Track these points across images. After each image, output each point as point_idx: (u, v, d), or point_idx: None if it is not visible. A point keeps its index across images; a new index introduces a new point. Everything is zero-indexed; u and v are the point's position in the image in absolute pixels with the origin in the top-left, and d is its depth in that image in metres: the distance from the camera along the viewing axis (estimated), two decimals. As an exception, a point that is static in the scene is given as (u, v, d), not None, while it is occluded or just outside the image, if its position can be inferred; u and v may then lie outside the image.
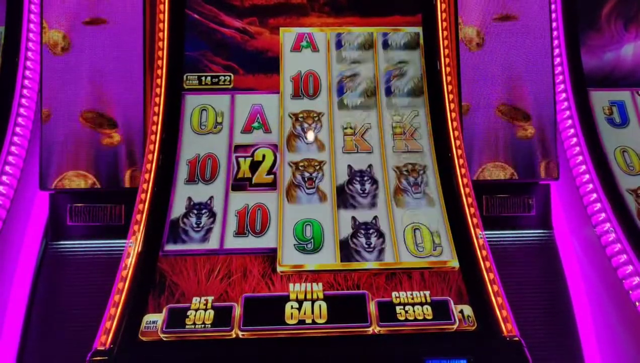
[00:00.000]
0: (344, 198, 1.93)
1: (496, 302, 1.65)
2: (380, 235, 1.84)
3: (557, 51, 2.31)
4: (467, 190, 1.90)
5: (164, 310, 1.63)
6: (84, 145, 2.07)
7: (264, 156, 2.01)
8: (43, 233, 2.10)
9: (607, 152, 2.18)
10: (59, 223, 2.05)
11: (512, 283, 1.77)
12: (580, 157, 2.16)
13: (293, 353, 1.57)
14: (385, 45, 2.21)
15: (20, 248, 2.09)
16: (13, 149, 2.04)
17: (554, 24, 2.32)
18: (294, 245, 1.83)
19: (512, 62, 2.20)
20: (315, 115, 2.09)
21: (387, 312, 1.63)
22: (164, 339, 1.57)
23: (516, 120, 2.15)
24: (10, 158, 2.03)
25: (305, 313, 1.63)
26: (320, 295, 1.68)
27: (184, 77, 2.13)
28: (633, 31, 2.44)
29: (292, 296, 1.67)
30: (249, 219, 1.88)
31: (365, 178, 1.97)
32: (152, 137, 1.97)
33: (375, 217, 1.88)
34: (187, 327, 1.59)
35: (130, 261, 1.71)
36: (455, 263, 1.77)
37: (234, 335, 1.58)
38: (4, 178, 2.00)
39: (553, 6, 2.32)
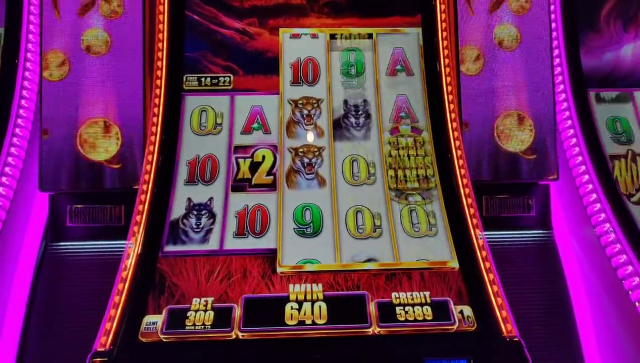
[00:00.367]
0: None
1: (496, 303, 1.65)
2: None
3: (556, 52, 2.31)
4: (467, 190, 1.90)
5: (164, 311, 1.63)
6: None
7: (263, 157, 2.01)
8: (43, 234, 2.10)
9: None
10: (59, 224, 2.05)
11: (512, 284, 1.77)
12: (580, 158, 2.16)
13: (293, 354, 1.57)
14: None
15: (20, 249, 2.09)
16: (12, 150, 2.04)
17: (554, 25, 2.32)
18: (294, 229, 1.84)
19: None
20: (314, 101, 2.10)
21: (387, 312, 1.63)
22: (164, 340, 1.57)
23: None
24: (10, 159, 2.03)
25: (305, 314, 1.63)
26: (320, 296, 1.68)
27: (184, 78, 2.13)
28: (632, 32, 2.44)
29: (292, 297, 1.67)
30: (248, 220, 1.88)
31: None
32: (152, 138, 1.97)
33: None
34: (187, 327, 1.59)
35: (130, 262, 1.71)
36: (455, 264, 1.77)
37: (233, 336, 1.58)
38: (4, 179, 2.00)
39: (552, 7, 2.32)
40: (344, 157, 2.02)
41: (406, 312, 1.63)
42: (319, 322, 1.61)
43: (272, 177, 1.98)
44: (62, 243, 2.03)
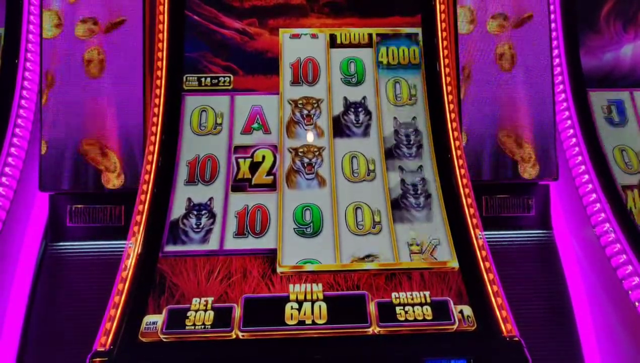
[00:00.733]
0: None
1: (496, 302, 1.65)
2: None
3: (556, 52, 2.31)
4: (467, 190, 1.90)
5: (164, 311, 1.63)
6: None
7: (263, 157, 2.01)
8: (43, 234, 2.10)
9: (606, 151, 2.18)
10: (59, 225, 2.05)
11: (512, 284, 1.77)
12: (580, 158, 2.16)
13: (293, 354, 1.57)
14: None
15: (20, 249, 2.09)
16: (12, 150, 2.04)
17: (553, 25, 2.33)
18: (294, 229, 1.85)
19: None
20: (314, 101, 2.10)
21: (387, 312, 1.63)
22: (164, 340, 1.57)
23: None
24: (10, 159, 2.03)
25: (305, 314, 1.63)
26: (320, 296, 1.68)
27: (184, 78, 2.13)
28: (632, 32, 2.45)
29: (292, 297, 1.67)
30: (248, 220, 1.88)
31: None
32: (152, 138, 1.97)
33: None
34: (187, 327, 1.59)
35: (130, 262, 1.71)
36: (455, 264, 1.77)
37: (234, 336, 1.58)
38: (4, 179, 2.00)
39: (552, 7, 2.32)
40: (344, 153, 2.02)
41: (406, 312, 1.63)
42: (319, 321, 1.61)
43: (272, 177, 1.98)
44: (62, 244, 2.03)
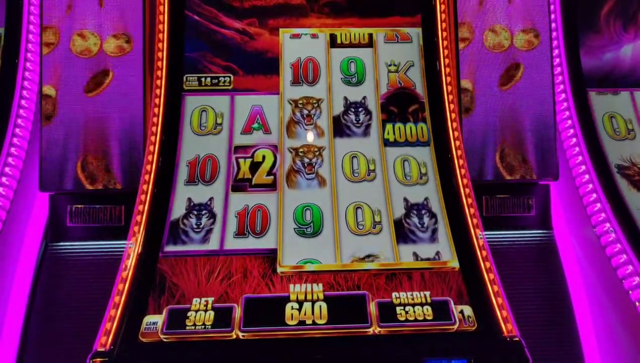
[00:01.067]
0: None
1: (496, 302, 1.65)
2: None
3: (556, 52, 2.31)
4: (467, 190, 1.90)
5: (164, 311, 1.62)
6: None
7: (263, 157, 2.01)
8: (43, 234, 2.10)
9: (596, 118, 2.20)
10: (59, 225, 2.05)
11: (512, 284, 1.77)
12: (580, 157, 2.16)
13: (293, 354, 1.57)
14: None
15: (20, 249, 2.09)
16: (12, 150, 2.04)
17: (553, 25, 2.33)
18: (294, 229, 1.85)
19: None
20: (314, 101, 2.10)
21: (387, 312, 1.63)
22: (164, 340, 1.57)
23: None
24: (10, 159, 2.03)
25: (305, 314, 1.63)
26: (321, 296, 1.68)
27: (184, 78, 2.13)
28: (632, 32, 2.45)
29: (293, 297, 1.67)
30: (249, 220, 1.88)
31: None
32: (152, 138, 1.97)
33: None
34: (187, 328, 1.59)
35: (130, 262, 1.71)
36: (455, 264, 1.77)
37: (234, 336, 1.58)
38: (4, 179, 2.00)
39: (552, 7, 2.32)
40: (344, 153, 2.02)
41: (406, 312, 1.63)
42: (319, 322, 1.61)
43: (272, 177, 1.98)
44: (62, 244, 2.03)
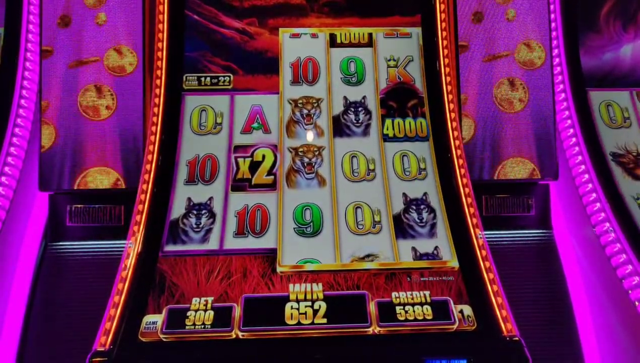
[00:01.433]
0: None
1: (496, 302, 1.65)
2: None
3: (556, 51, 2.31)
4: (467, 190, 1.90)
5: (164, 311, 1.63)
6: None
7: (263, 156, 2.01)
8: (42, 234, 2.10)
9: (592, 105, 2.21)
10: (59, 224, 2.05)
11: (512, 283, 1.77)
12: (580, 157, 2.16)
13: (293, 354, 1.57)
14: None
15: (20, 249, 2.09)
16: (12, 149, 2.04)
17: (553, 25, 2.33)
18: (294, 228, 1.85)
19: None
20: (314, 100, 2.10)
21: (387, 312, 1.63)
22: (164, 340, 1.57)
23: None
24: (9, 159, 2.03)
25: (305, 314, 1.63)
26: (320, 296, 1.68)
27: (184, 77, 2.13)
28: (632, 31, 2.45)
29: (292, 296, 1.67)
30: (248, 220, 1.88)
31: None
32: (152, 137, 1.97)
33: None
34: (187, 327, 1.59)
35: (129, 262, 1.71)
36: (455, 263, 1.77)
37: (233, 336, 1.58)
38: (3, 179, 1.99)
39: (552, 7, 2.32)
40: (344, 153, 2.02)
41: (406, 312, 1.63)
42: (319, 321, 1.61)
43: (272, 176, 1.98)
44: (62, 243, 2.03)
